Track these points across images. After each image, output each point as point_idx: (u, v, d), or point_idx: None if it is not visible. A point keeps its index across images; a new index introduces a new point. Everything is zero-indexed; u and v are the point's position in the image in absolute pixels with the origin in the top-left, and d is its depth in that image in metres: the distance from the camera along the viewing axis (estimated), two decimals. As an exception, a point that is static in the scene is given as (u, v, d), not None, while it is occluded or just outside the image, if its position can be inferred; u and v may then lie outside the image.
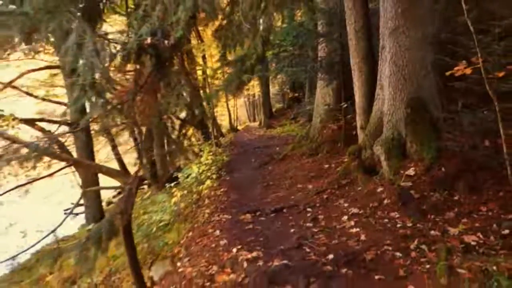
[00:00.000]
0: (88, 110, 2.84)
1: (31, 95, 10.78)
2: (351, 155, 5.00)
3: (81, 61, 2.57)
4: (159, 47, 2.85)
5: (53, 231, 7.59)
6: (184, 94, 2.78)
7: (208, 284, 2.78)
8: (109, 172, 3.88)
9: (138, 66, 3.17)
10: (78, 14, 2.62)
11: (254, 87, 19.45)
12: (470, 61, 3.44)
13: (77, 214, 9.14)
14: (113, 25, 12.54)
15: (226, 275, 2.89)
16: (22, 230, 7.04)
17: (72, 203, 12.77)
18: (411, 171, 4.09)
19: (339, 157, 6.14)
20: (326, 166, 5.94)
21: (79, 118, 7.29)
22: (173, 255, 4.04)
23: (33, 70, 8.45)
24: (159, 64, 2.86)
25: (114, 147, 12.86)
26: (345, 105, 6.30)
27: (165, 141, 9.20)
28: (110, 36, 3.30)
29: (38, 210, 9.04)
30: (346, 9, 5.50)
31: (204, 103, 9.07)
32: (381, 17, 4.52)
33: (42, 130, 8.24)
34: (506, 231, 2.94)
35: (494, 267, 2.43)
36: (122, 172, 3.34)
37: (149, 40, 2.84)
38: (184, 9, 2.57)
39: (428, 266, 2.67)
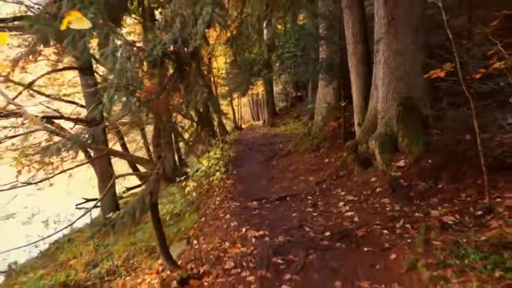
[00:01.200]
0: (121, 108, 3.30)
1: (45, 95, 11.31)
2: (349, 150, 5.46)
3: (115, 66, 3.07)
4: (179, 54, 3.33)
5: (71, 224, 8.14)
6: (202, 94, 3.22)
7: (222, 255, 3.26)
8: (138, 160, 4.27)
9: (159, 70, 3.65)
10: (114, 25, 3.11)
11: (258, 86, 19.88)
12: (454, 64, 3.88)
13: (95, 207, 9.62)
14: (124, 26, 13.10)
15: (237, 248, 3.37)
16: (44, 220, 7.60)
17: (84, 198, 13.38)
18: (401, 163, 4.54)
19: (338, 152, 6.58)
20: (326, 160, 6.40)
21: (97, 115, 7.87)
22: (189, 237, 4.53)
23: (54, 71, 8.95)
24: (179, 68, 3.34)
25: (123, 145, 13.45)
26: (344, 104, 6.74)
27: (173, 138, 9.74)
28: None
29: (60, 201, 9.57)
30: (344, 15, 5.94)
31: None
32: (375, 24, 4.97)
33: (59, 127, 8.76)
34: (480, 212, 3.40)
35: (464, 240, 2.89)
36: (149, 160, 3.68)
37: (171, 48, 3.32)
38: (202, 23, 3.05)
39: (409, 240, 3.14)
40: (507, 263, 2.45)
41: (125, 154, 5.71)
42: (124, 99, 3.18)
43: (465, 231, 3.14)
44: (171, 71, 3.43)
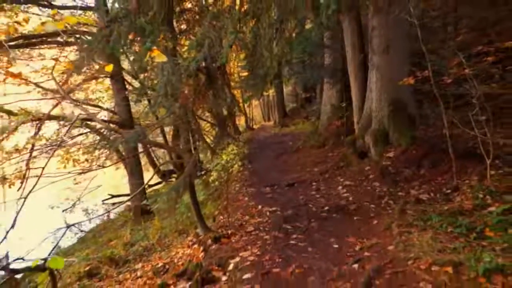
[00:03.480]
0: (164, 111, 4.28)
1: (74, 100, 12.53)
2: (348, 144, 6.33)
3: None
4: (209, 68, 4.31)
5: (103, 214, 9.30)
6: (227, 99, 4.08)
7: (244, 223, 4.22)
8: (176, 150, 5.01)
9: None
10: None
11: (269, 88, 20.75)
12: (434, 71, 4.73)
13: (121, 202, 10.72)
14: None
15: (255, 219, 4.32)
16: (84, 209, 8.76)
17: (109, 194, 14.62)
18: (391, 154, 5.40)
19: (341, 147, 7.43)
20: (330, 154, 7.28)
21: (126, 118, 8.99)
22: (214, 216, 5.49)
23: (89, 79, 10.05)
24: (209, 80, 4.31)
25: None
26: (345, 105, 7.61)
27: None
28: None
29: (92, 195, 10.68)
30: (344, 27, 6.83)
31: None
32: (369, 36, 5.84)
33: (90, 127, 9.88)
34: (448, 191, 4.24)
35: (431, 210, 3.77)
36: (186, 150, 4.34)
37: (203, 64, 4.30)
38: (228, 45, 4.01)
39: (390, 211, 4.03)
40: (458, 223, 3.32)
41: (165, 145, 6.63)
42: (168, 103, 4.18)
43: (434, 204, 4.00)
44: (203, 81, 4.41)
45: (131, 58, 4.53)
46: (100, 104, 13.67)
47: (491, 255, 2.64)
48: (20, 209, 2.89)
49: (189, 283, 3.43)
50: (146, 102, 6.41)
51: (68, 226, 3.29)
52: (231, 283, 3.10)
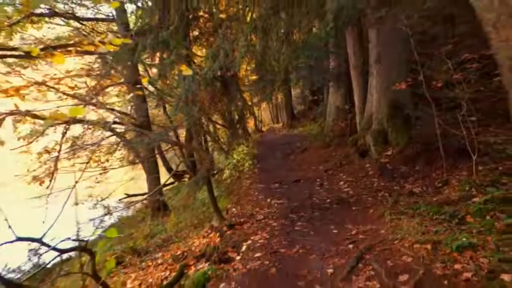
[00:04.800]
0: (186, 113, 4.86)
1: (94, 104, 13.29)
2: (351, 144, 6.81)
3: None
4: (224, 76, 4.88)
5: (127, 207, 9.97)
6: (240, 103, 4.62)
7: (254, 213, 4.75)
8: (196, 149, 5.50)
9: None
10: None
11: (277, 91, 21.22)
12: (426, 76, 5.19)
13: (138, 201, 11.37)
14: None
15: (264, 210, 4.85)
16: (106, 205, 9.43)
17: (125, 194, 15.37)
18: (389, 152, 5.86)
19: (345, 147, 7.90)
20: (334, 154, 7.75)
21: (144, 121, 9.64)
22: (227, 209, 6.03)
23: (107, 87, 10.73)
24: (224, 86, 4.88)
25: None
26: (349, 107, 8.08)
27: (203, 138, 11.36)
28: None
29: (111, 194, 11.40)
30: (346, 35, 7.32)
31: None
32: (369, 45, 6.33)
33: (112, 130, 10.57)
34: (440, 185, 4.69)
35: (422, 201, 4.23)
36: (203, 148, 4.75)
37: (218, 72, 4.87)
38: (240, 56, 4.57)
39: (385, 203, 4.50)
40: (443, 211, 3.79)
41: (184, 145, 7.14)
42: (187, 108, 4.76)
43: (425, 196, 4.45)
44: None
45: (150, 67, 5.10)
46: (113, 107, 14.58)
47: (466, 236, 3.11)
48: (68, 198, 3.49)
49: (208, 262, 3.98)
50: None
51: (105, 214, 3.86)
52: (244, 261, 3.62)
